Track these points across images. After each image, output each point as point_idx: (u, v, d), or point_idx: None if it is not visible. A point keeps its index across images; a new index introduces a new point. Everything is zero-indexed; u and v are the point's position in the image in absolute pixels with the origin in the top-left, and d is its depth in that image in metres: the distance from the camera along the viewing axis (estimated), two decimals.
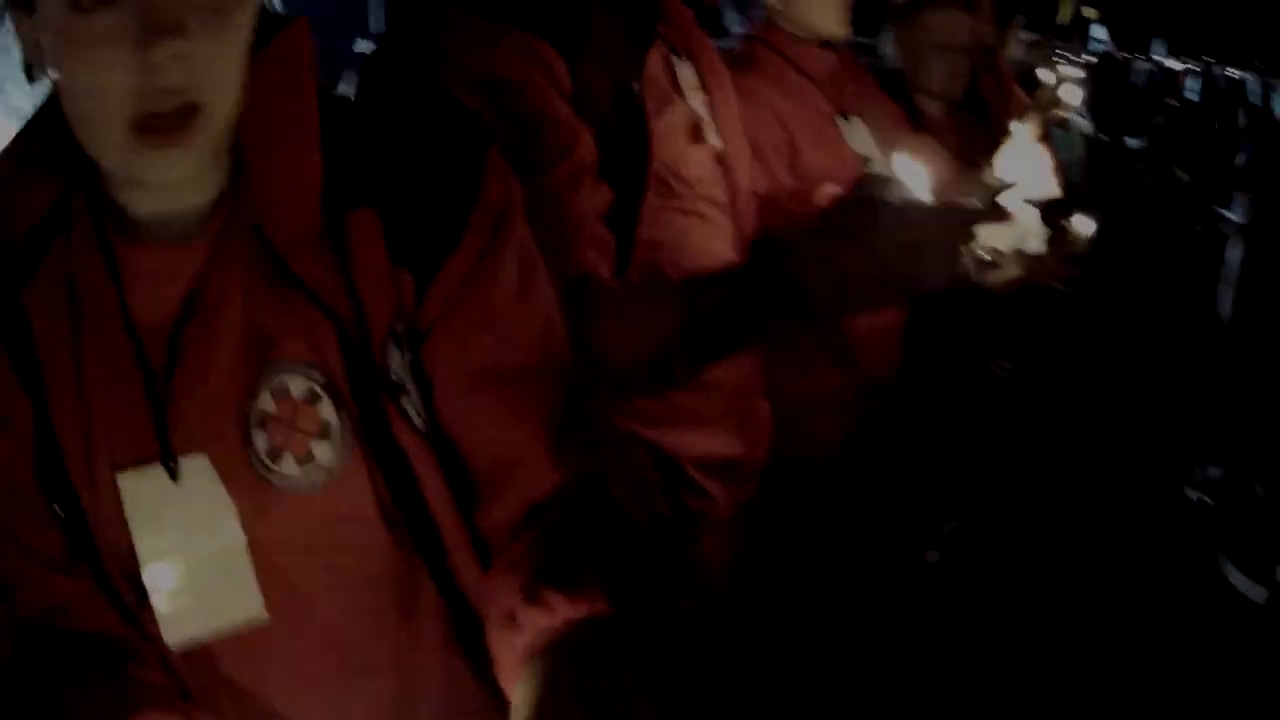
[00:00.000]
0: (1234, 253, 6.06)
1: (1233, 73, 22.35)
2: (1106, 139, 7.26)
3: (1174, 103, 16.43)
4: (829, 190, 1.97)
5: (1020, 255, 1.93)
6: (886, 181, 1.57)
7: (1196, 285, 6.21)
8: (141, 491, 1.03)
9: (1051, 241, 2.58)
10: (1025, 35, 6.99)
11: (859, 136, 2.56)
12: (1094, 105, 11.49)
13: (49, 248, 1.04)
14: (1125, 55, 25.62)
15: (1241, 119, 14.13)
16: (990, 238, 1.90)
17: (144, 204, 1.04)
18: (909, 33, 3.14)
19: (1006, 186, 1.99)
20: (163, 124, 0.95)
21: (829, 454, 2.37)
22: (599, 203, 1.58)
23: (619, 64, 1.62)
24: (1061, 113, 5.55)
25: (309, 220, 1.04)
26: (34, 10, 0.97)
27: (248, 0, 0.98)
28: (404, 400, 1.08)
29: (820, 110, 2.52)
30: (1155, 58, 27.00)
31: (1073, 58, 16.96)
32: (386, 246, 1.05)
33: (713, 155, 1.83)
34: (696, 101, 1.82)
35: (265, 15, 1.06)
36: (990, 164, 3.04)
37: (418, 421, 1.08)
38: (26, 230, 1.04)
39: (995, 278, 1.91)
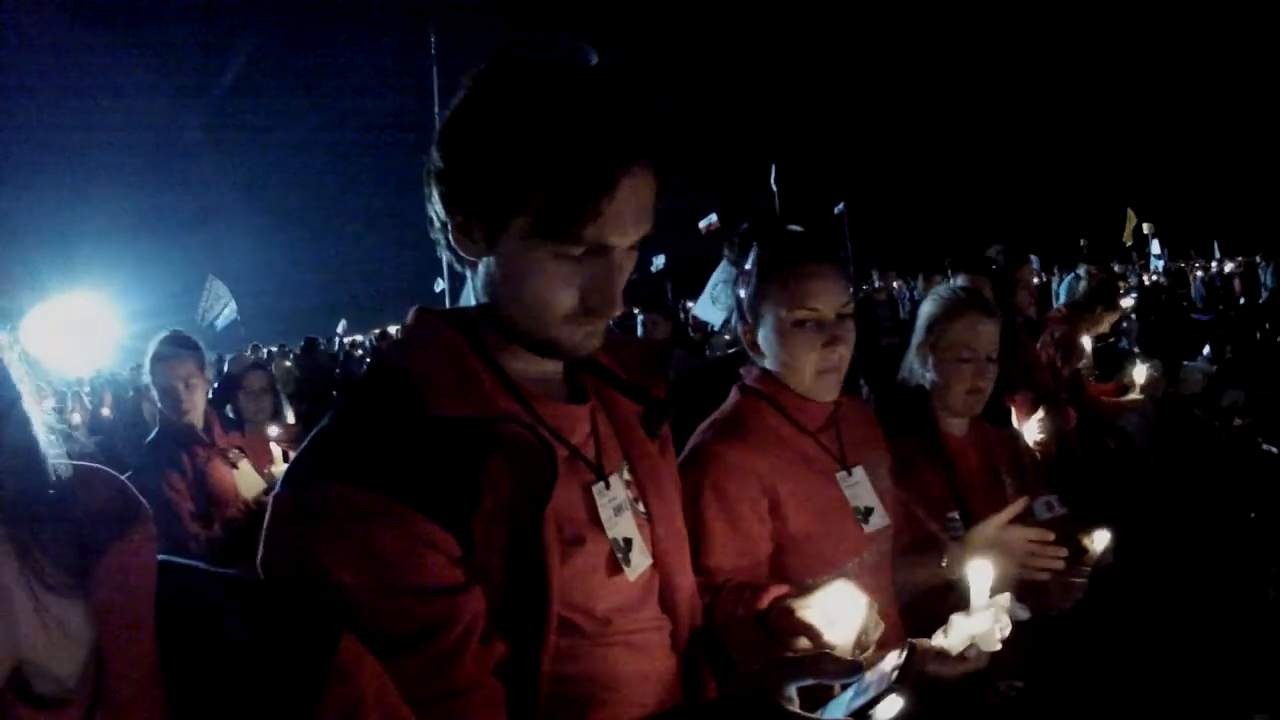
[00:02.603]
0: None
1: None
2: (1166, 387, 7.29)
3: (1228, 310, 16.54)
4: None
5: (984, 652, 1.96)
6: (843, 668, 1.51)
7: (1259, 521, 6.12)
8: None
9: (1071, 561, 2.67)
10: (1088, 270, 7.20)
11: (859, 490, 2.52)
12: (1148, 333, 11.57)
13: None
14: (1181, 265, 26.09)
15: None
16: (952, 637, 1.97)
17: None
18: (933, 347, 3.21)
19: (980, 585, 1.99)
20: None
21: None
22: (490, 659, 1.54)
23: (516, 514, 1.58)
24: (1135, 396, 5.75)
25: None
26: None
27: None
28: None
29: (816, 466, 2.49)
30: (1210, 263, 27.41)
31: (1130, 282, 17.41)
32: None
33: (641, 577, 1.78)
34: (624, 522, 1.77)
35: (115, 499, 1.18)
36: (1006, 479, 3.17)
37: None
38: None
39: (962, 670, 1.97)
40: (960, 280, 3.33)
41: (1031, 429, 4.63)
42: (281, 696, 1.19)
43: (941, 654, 1.96)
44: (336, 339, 29.35)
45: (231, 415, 5.56)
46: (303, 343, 20.83)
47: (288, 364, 19.90)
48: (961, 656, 1.96)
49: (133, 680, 1.15)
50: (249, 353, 16.78)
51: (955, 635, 1.96)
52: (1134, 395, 5.80)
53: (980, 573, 2.00)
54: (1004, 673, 2.78)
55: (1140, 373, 5.82)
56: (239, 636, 1.22)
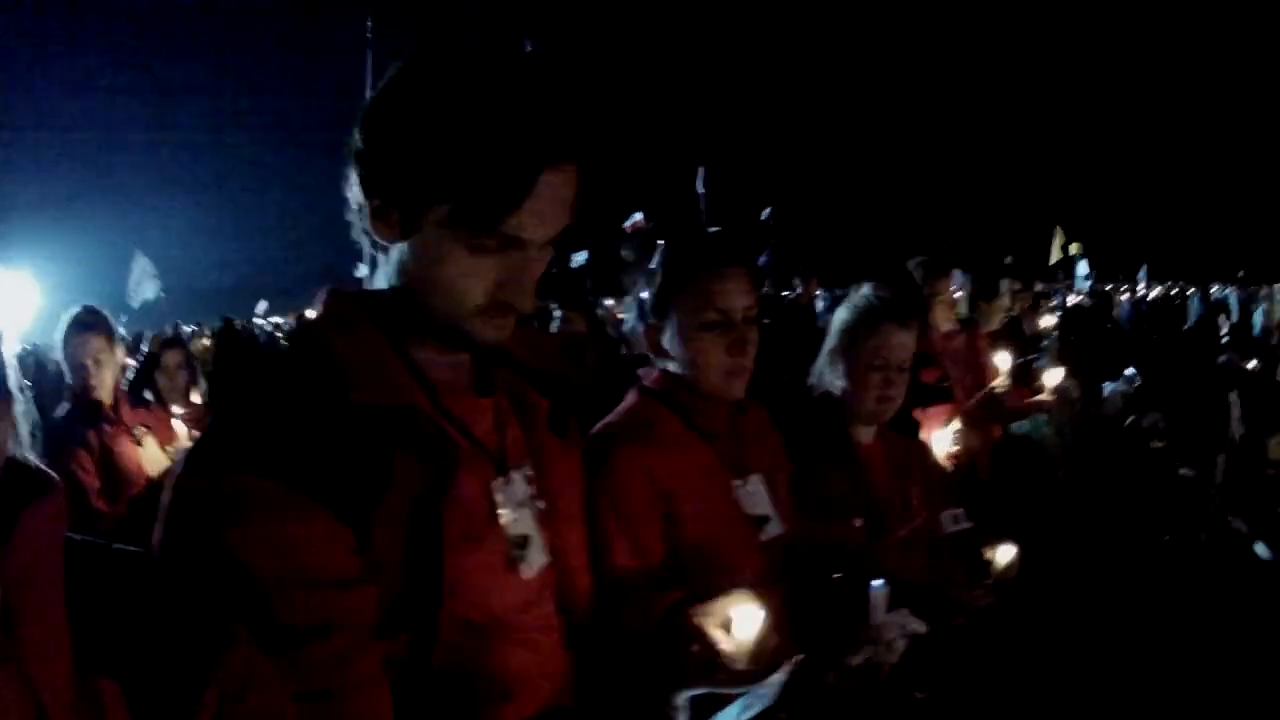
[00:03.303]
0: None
1: (1215, 289, 23.02)
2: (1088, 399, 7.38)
3: (1154, 334, 16.76)
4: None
5: (879, 668, 1.98)
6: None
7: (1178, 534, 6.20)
8: None
9: (974, 574, 2.67)
10: (1010, 286, 7.23)
11: (755, 498, 2.49)
12: (1073, 351, 11.65)
13: None
14: (1107, 287, 26.39)
15: (1224, 330, 14.52)
16: (847, 652, 1.96)
17: None
18: (844, 353, 3.17)
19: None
20: None
21: None
22: (382, 656, 1.53)
23: (416, 507, 1.56)
24: (1044, 397, 5.82)
25: (67, 681, 1.18)
26: None
27: None
28: None
29: (712, 472, 2.46)
30: (1137, 286, 27.81)
31: (1053, 302, 17.63)
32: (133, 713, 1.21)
33: (538, 575, 1.76)
34: (524, 519, 1.75)
35: (27, 472, 1.23)
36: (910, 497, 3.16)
37: None
38: None
39: (857, 683, 1.97)
40: (865, 288, 3.30)
41: (944, 440, 4.65)
42: (182, 665, 1.24)
43: (836, 667, 1.95)
44: (257, 320, 28.91)
45: (151, 396, 5.48)
46: (220, 323, 20.59)
47: (205, 343, 19.69)
48: (856, 670, 1.95)
49: (41, 640, 1.18)
50: (169, 330, 16.52)
51: (851, 649, 1.95)
52: (1043, 396, 5.90)
53: (877, 589, 1.99)
54: (905, 683, 2.73)
55: (1052, 376, 5.91)
56: (142, 610, 1.26)
